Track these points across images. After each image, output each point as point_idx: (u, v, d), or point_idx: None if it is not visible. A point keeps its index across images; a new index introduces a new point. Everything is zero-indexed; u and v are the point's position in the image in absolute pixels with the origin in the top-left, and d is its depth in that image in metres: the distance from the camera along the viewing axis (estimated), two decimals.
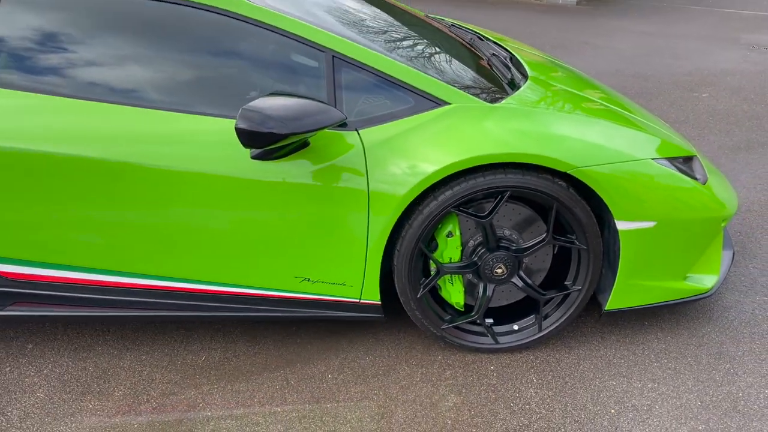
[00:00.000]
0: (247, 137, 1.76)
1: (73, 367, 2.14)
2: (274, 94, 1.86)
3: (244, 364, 2.18)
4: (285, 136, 1.77)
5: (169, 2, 2.00)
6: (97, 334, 2.30)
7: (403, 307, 2.16)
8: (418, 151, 1.96)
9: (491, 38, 3.12)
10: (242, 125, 1.74)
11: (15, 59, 1.96)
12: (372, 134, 1.98)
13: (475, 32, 3.18)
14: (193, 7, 2.00)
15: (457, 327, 2.22)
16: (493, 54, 2.74)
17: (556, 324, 2.21)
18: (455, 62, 2.38)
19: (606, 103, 2.43)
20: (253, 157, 1.91)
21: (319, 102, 1.87)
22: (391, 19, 2.59)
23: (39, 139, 1.89)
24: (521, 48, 3.07)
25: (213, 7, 2.00)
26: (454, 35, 2.83)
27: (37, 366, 2.15)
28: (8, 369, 2.13)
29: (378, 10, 2.62)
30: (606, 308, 2.20)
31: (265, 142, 1.77)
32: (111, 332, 2.31)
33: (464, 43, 2.78)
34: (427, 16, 3.01)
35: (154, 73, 2.02)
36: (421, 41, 2.49)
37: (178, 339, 2.29)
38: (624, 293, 2.17)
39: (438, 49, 2.50)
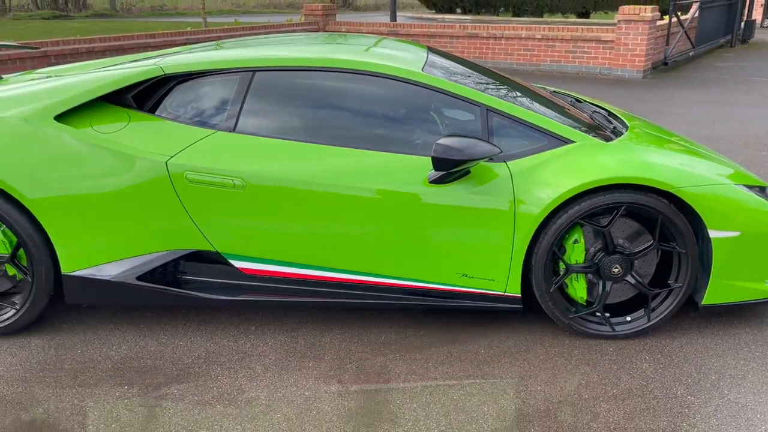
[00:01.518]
0: (438, 163, 2.49)
1: (289, 342, 2.83)
2: (451, 135, 2.59)
3: (414, 342, 2.82)
4: (462, 162, 2.49)
5: (369, 74, 2.80)
6: (302, 318, 3.00)
7: (537, 300, 2.78)
8: (552, 178, 2.64)
9: (588, 100, 3.83)
10: (435, 154, 2.48)
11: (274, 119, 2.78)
12: (517, 165, 2.68)
13: (573, 96, 3.91)
14: (384, 77, 2.79)
15: (580, 317, 2.81)
16: (594, 111, 3.45)
17: (662, 315, 2.78)
18: (569, 114, 3.08)
19: (686, 144, 3.10)
20: (431, 182, 2.63)
21: (481, 139, 2.59)
22: (515, 85, 3.33)
23: (284, 176, 2.67)
24: (611, 107, 3.76)
25: (399, 77, 2.79)
26: (558, 97, 3.55)
27: (263, 340, 2.85)
28: (242, 342, 2.84)
29: (504, 79, 3.37)
30: (703, 303, 2.76)
31: (450, 165, 2.49)
32: (314, 316, 3.00)
33: (568, 102, 3.49)
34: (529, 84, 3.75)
35: (357, 123, 2.80)
36: (540, 99, 3.21)
37: (361, 323, 2.96)
38: (717, 291, 2.74)
39: (554, 105, 3.21)
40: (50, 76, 3.44)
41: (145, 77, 2.81)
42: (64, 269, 2.75)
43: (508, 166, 2.68)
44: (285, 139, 2.75)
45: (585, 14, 24.37)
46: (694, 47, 12.17)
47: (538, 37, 10.64)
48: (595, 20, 23.13)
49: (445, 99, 2.81)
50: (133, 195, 2.69)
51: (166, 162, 2.67)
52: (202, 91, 2.85)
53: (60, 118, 2.72)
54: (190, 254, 2.79)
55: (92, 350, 2.78)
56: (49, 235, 2.70)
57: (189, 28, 11.30)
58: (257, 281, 2.83)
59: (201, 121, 2.80)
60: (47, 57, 8.71)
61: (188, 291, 2.79)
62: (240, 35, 11.23)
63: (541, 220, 2.64)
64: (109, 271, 2.76)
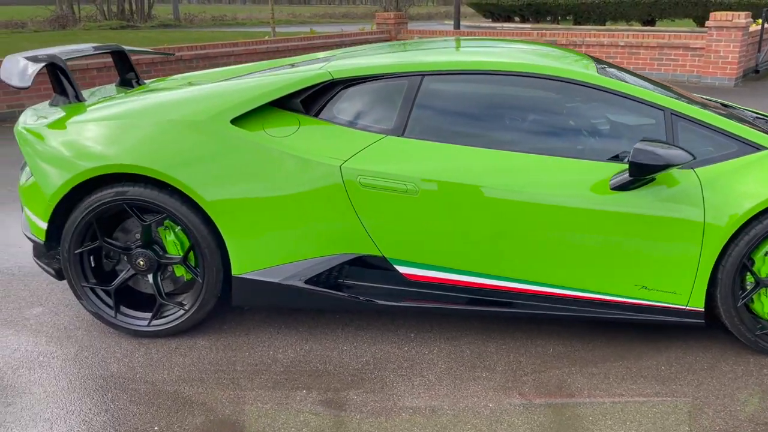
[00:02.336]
0: (636, 168, 2.39)
1: (454, 350, 2.77)
2: (648, 140, 2.48)
3: (585, 355, 2.72)
4: (661, 168, 2.39)
5: (544, 77, 2.73)
6: (460, 326, 2.94)
7: (720, 314, 2.65)
8: (748, 186, 2.51)
9: (736, 106, 3.68)
10: (634, 159, 2.38)
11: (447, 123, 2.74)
12: (707, 172, 2.56)
13: (718, 102, 3.75)
14: (560, 80, 2.71)
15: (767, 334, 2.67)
16: (756, 117, 3.30)
17: None
18: (744, 119, 2.95)
19: None
20: (613, 188, 2.54)
21: (677, 145, 2.48)
22: (675, 90, 3.21)
23: (459, 175, 2.61)
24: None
25: (576, 80, 2.71)
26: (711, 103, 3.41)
27: (426, 347, 2.79)
28: (406, 348, 2.79)
29: (662, 85, 3.25)
30: None
31: (647, 171, 2.40)
32: (471, 324, 2.93)
33: (723, 108, 3.35)
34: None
35: (530, 127, 2.73)
36: (706, 105, 3.09)
37: (523, 333, 2.88)
38: None
39: (722, 111, 3.08)
40: (192, 83, 3.48)
41: (315, 82, 2.80)
42: (235, 271, 2.76)
43: (696, 174, 2.57)
44: (456, 143, 2.70)
45: (650, 22, 23.84)
46: None
47: (622, 44, 10.42)
48: (663, 27, 22.60)
49: (625, 103, 2.71)
50: (306, 198, 2.68)
51: (340, 166, 2.65)
52: (369, 95, 2.83)
53: (234, 121, 2.73)
54: (356, 259, 2.76)
55: (259, 352, 2.77)
56: (224, 236, 2.70)
57: (267, 37, 11.45)
58: (420, 287, 2.77)
59: (369, 125, 2.78)
60: (139, 65, 8.91)
61: (352, 295, 2.76)
62: (318, 45, 11.33)
63: (734, 231, 2.51)
64: (279, 273, 2.75)
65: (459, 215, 2.63)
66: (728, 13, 9.41)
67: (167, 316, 2.89)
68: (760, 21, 10.69)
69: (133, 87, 3.83)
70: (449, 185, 2.61)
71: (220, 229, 2.70)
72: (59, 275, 2.91)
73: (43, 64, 3.08)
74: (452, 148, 2.68)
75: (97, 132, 2.74)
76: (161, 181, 2.73)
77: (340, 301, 2.77)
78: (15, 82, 2.87)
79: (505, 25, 26.04)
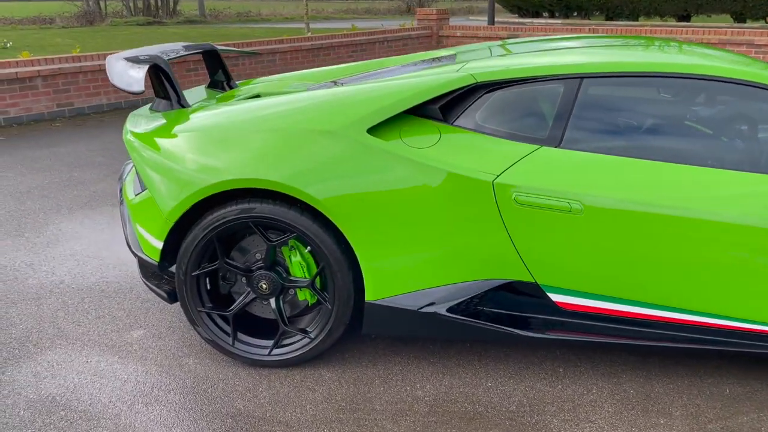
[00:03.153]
0: None
1: (615, 389, 2.48)
2: None
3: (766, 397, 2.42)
4: None
5: (728, 81, 2.42)
6: (611, 359, 2.65)
7: None
8: None
9: None
10: None
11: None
12: None
13: None
14: (744, 84, 2.40)
15: None
16: None
17: None
18: None
19: None
20: None
21: None
22: None
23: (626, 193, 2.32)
24: None
25: (745, 80, 2.40)
26: None
27: (582, 385, 2.51)
28: (559, 387, 2.50)
29: None
30: None
31: None
32: (622, 358, 2.64)
33: None
34: None
35: (709, 138, 2.43)
36: None
37: (686, 370, 2.58)
38: None
39: None
40: (296, 87, 3.22)
41: (457, 86, 2.51)
42: (369, 297, 2.48)
43: None
44: (622, 156, 2.40)
45: (686, 17, 23.31)
46: None
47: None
48: (698, 23, 22.06)
49: None
50: (451, 217, 2.40)
51: (493, 181, 2.36)
52: (519, 100, 2.53)
53: (370, 131, 2.46)
54: (504, 285, 2.48)
55: (395, 388, 2.50)
56: (359, 258, 2.43)
57: (309, 33, 11.18)
58: (572, 317, 2.48)
59: (520, 134, 2.48)
60: (186, 62, 8.68)
61: (500, 326, 2.47)
62: (361, 42, 11.04)
63: None
64: (417, 300, 2.47)
65: (628, 237, 2.33)
66: None
67: (290, 344, 2.62)
68: None
69: (223, 89, 3.58)
70: (618, 204, 2.31)
71: (355, 250, 2.43)
72: (171, 298, 2.66)
73: (147, 66, 2.83)
74: (619, 161, 2.38)
75: (219, 143, 2.47)
76: (290, 197, 2.46)
77: (484, 331, 2.48)
78: (135, 88, 2.62)
79: (535, 20, 25.56)
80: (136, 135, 2.62)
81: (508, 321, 2.48)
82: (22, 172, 5.45)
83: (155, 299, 3.22)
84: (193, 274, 2.55)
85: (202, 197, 2.45)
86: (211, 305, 2.63)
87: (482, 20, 25.90)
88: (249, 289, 2.60)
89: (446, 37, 12.47)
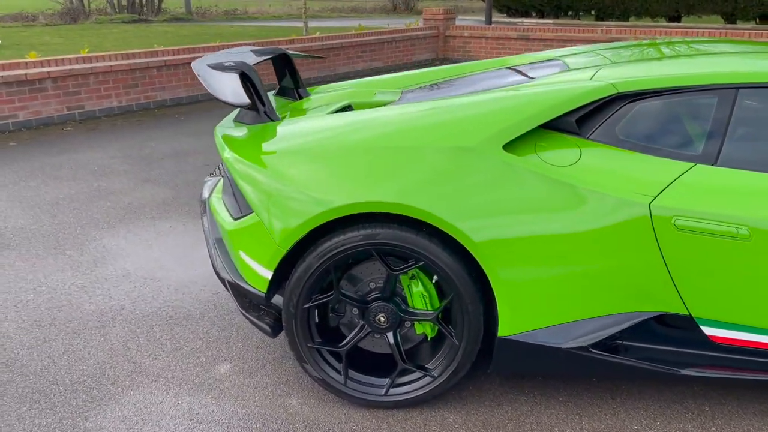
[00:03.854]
0: None
1: None
2: None
3: None
4: None
5: None
6: (765, 399, 2.43)
7: None
8: None
9: None
10: None
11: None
12: None
13: None
14: None
15: None
16: None
17: None
18: None
19: None
20: None
21: None
22: None
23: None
24: None
25: None
26: None
27: (732, 425, 2.29)
28: (713, 430, 2.28)
29: None
30: None
31: None
32: None
33: None
34: None
35: None
36: None
37: None
38: None
39: None
40: (375, 94, 2.98)
41: (596, 97, 2.28)
42: (503, 331, 2.24)
43: None
44: None
45: (676, 18, 23.39)
46: None
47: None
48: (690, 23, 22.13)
49: None
50: (600, 243, 2.16)
51: (649, 204, 2.13)
52: (666, 113, 2.30)
53: (505, 147, 2.21)
54: (653, 318, 2.25)
55: None
56: (494, 288, 2.18)
57: (318, 33, 10.89)
58: (726, 352, 2.26)
59: (669, 151, 2.25)
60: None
61: (649, 363, 2.24)
62: (371, 42, 10.77)
63: None
64: (558, 335, 2.23)
65: None
66: None
67: (408, 383, 2.37)
68: None
69: (293, 96, 3.31)
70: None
71: (490, 279, 2.18)
72: (274, 331, 2.39)
73: (237, 75, 2.56)
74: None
75: (340, 163, 2.21)
76: (417, 221, 2.21)
77: (633, 369, 2.24)
78: (242, 100, 2.35)
79: (525, 20, 25.48)
80: (240, 154, 2.34)
81: (658, 358, 2.26)
82: (45, 181, 5.11)
83: (231, 327, 2.94)
84: (304, 306, 2.29)
85: (322, 222, 2.18)
86: (320, 340, 2.37)
87: (469, 20, 25.73)
88: (363, 322, 2.34)
89: (453, 37, 12.25)
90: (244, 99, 2.37)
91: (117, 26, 22.30)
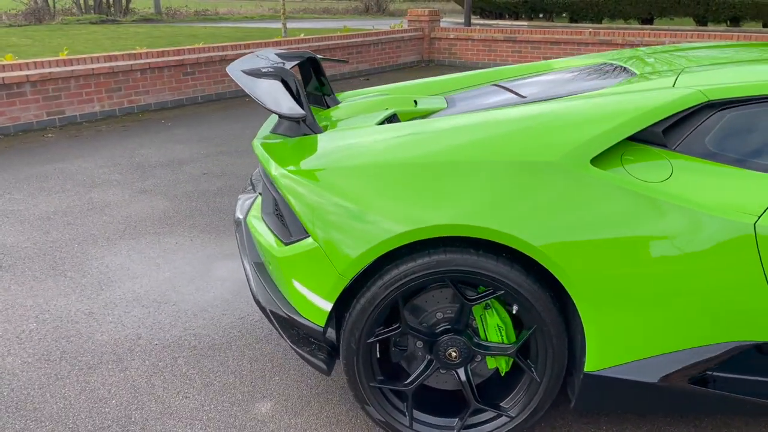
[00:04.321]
0: None
1: None
2: None
3: None
4: None
5: None
6: None
7: None
8: None
9: None
10: None
11: None
12: None
13: None
14: None
15: None
16: None
17: None
18: None
19: None
20: None
21: None
22: None
23: None
24: None
25: None
26: None
27: None
28: None
29: None
30: None
31: None
32: None
33: None
34: None
35: None
36: None
37: None
38: None
39: None
40: (413, 100, 2.77)
41: (685, 106, 2.07)
42: (590, 366, 2.02)
43: None
44: None
45: (649, 20, 23.63)
46: None
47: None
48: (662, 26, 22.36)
49: None
50: (699, 267, 1.95)
51: (755, 224, 1.93)
52: (763, 122, 2.11)
53: (592, 161, 2.00)
54: (757, 347, 2.06)
55: None
56: (582, 318, 1.96)
57: (302, 35, 10.59)
58: None
59: (765, 163, 2.07)
60: (183, 66, 8.02)
61: (742, 395, 2.05)
62: (357, 44, 10.52)
63: None
64: (652, 369, 2.02)
65: None
66: None
67: (482, 424, 2.13)
68: None
69: (321, 104, 3.06)
70: None
71: (579, 309, 1.96)
72: (329, 368, 2.13)
73: (278, 80, 2.31)
74: None
75: (406, 181, 1.96)
76: (495, 245, 1.98)
77: (739, 403, 2.05)
78: (296, 111, 2.09)
79: (500, 22, 25.49)
80: (291, 171, 2.08)
81: (756, 390, 2.06)
82: (32, 193, 4.75)
83: (264, 357, 2.68)
84: (368, 341, 2.04)
85: (392, 248, 1.94)
86: (382, 378, 2.12)
87: (445, 22, 25.61)
88: (431, 357, 2.10)
89: (438, 39, 12.07)
90: (299, 110, 2.11)
91: (85, 27, 21.65)
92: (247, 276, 2.37)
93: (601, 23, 24.38)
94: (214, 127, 6.96)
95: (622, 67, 2.67)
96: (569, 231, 1.92)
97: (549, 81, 2.71)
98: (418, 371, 2.11)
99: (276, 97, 2.15)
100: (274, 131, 2.44)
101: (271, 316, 2.22)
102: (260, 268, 2.35)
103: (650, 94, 2.12)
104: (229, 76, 8.60)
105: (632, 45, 10.36)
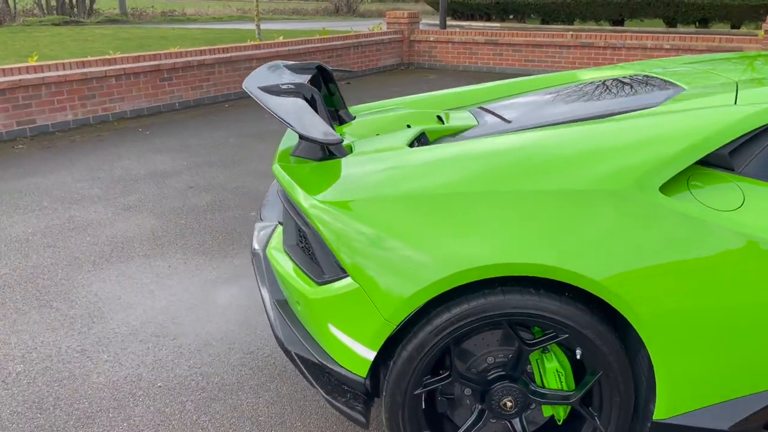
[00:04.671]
0: None
1: None
2: None
3: None
4: None
5: None
6: None
7: None
8: None
9: None
10: None
11: None
12: None
13: None
14: None
15: None
16: None
17: None
18: None
19: None
20: None
21: None
22: None
23: None
24: None
25: None
26: None
27: None
28: None
29: None
30: None
31: None
32: None
33: None
34: None
35: None
36: None
37: None
38: None
39: None
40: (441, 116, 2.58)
41: (755, 125, 1.91)
42: (659, 414, 1.83)
43: None
44: None
45: (620, 22, 23.85)
46: None
47: (667, 47, 9.89)
48: (682, 29, 22.56)
49: None
50: None
51: None
52: None
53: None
54: None
55: None
56: (654, 362, 1.78)
57: (281, 37, 10.31)
58: None
59: None
60: (159, 71, 7.69)
61: None
62: (337, 47, 10.28)
63: None
64: (724, 415, 1.85)
65: None
66: None
67: None
68: None
69: (334, 119, 2.83)
70: None
71: (649, 349, 1.77)
72: (368, 420, 1.91)
73: (300, 98, 2.09)
74: None
75: (457, 211, 1.75)
76: (558, 283, 1.79)
77: None
78: (331, 137, 1.87)
79: (473, 23, 25.47)
80: (327, 202, 1.84)
81: None
82: (6, 212, 4.42)
83: (281, 399, 2.44)
84: (415, 393, 1.82)
85: (447, 289, 1.73)
86: (427, 431, 1.91)
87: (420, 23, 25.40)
88: (482, 407, 1.90)
89: (418, 41, 11.90)
90: (335, 135, 1.89)
91: (48, 28, 20.97)
92: (268, 314, 2.14)
93: (572, 24, 24.54)
94: (194, 135, 6.66)
95: (662, 80, 2.50)
96: (636, 264, 1.73)
97: (583, 94, 2.53)
98: (469, 423, 1.90)
99: (305, 120, 1.92)
100: (295, 154, 2.21)
101: (298, 361, 1.99)
102: (284, 306, 2.12)
103: (715, 113, 1.95)
104: (209, 81, 8.29)
105: (614, 48, 10.32)
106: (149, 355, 2.75)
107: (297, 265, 2.02)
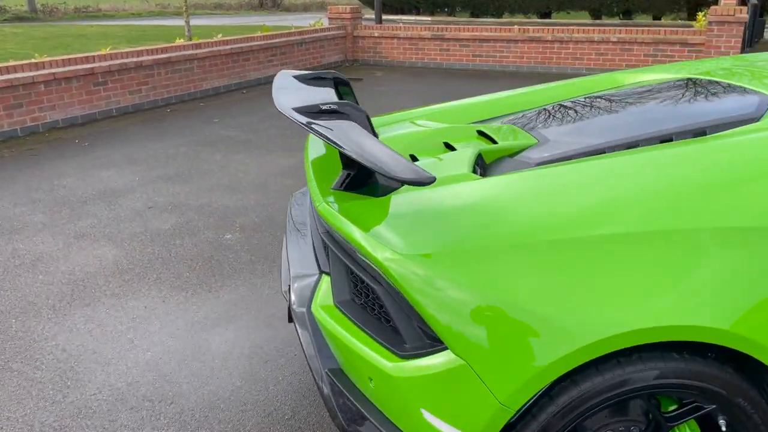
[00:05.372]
0: None
1: None
2: None
3: None
4: None
5: None
6: None
7: None
8: None
9: None
10: None
11: None
12: None
13: None
14: None
15: None
16: None
17: None
18: None
19: None
20: None
21: None
22: None
23: None
24: None
25: None
26: None
27: None
28: None
29: None
30: None
31: None
32: None
33: None
34: None
35: None
36: None
37: None
38: None
39: None
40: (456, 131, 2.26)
41: None
42: None
43: None
44: None
45: (547, 15, 24.20)
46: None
47: (614, 40, 9.90)
48: (640, 20, 22.94)
49: None
50: None
51: None
52: None
53: None
54: None
55: None
56: None
57: (220, 36, 9.70)
58: None
59: None
60: (94, 75, 7.00)
61: None
62: (280, 44, 9.76)
63: None
64: None
65: None
66: (729, 7, 9.16)
67: None
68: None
69: None
70: None
71: None
72: None
73: (348, 120, 1.70)
74: None
75: (589, 262, 1.41)
76: (700, 345, 1.48)
77: None
78: (426, 174, 1.47)
79: (403, 17, 25.26)
80: (415, 256, 1.45)
81: None
82: None
83: None
84: None
85: (585, 360, 1.38)
86: None
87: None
88: None
89: (362, 37, 11.51)
90: (426, 173, 1.48)
91: None
92: (320, 389, 1.73)
93: (502, 17, 24.73)
94: (140, 146, 6.05)
95: (738, 86, 2.24)
96: (752, 300, 1.44)
97: (647, 100, 2.24)
98: None
99: (382, 156, 1.52)
100: (338, 188, 1.80)
101: None
102: (340, 378, 1.72)
103: None
104: (148, 84, 7.63)
105: (562, 41, 10.26)
106: (146, 427, 2.28)
107: (362, 329, 1.62)
